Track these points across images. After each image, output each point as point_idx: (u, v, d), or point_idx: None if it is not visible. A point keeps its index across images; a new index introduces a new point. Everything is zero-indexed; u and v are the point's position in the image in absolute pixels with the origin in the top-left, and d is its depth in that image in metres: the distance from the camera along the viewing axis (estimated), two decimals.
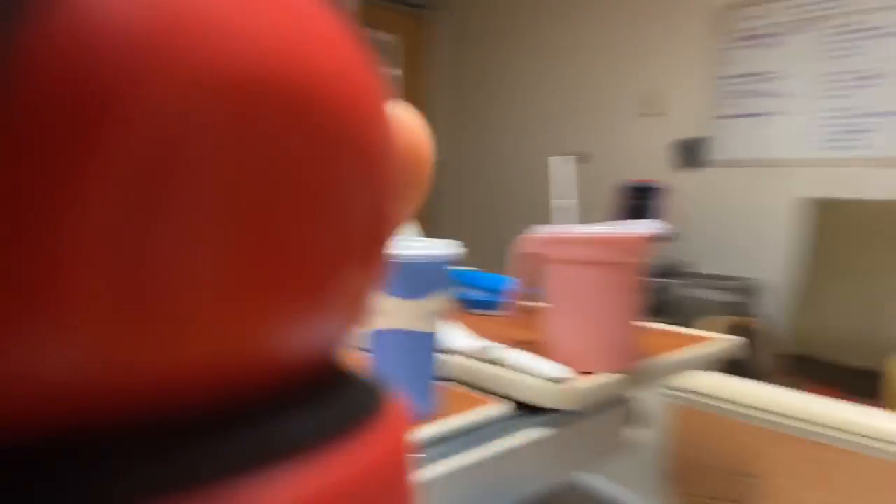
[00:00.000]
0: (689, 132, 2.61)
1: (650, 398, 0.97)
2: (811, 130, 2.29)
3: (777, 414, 0.88)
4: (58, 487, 0.09)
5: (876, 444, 0.80)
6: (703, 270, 2.51)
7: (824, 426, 0.84)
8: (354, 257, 0.14)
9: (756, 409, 0.90)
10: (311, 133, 0.12)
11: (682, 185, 2.61)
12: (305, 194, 0.12)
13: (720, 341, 0.72)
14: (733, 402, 0.92)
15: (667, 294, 2.25)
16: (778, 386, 0.94)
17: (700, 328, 0.86)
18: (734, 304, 2.24)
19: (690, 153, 2.62)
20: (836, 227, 2.11)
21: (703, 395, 0.94)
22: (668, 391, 0.97)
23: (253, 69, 0.11)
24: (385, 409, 0.14)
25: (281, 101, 0.11)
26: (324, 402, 0.13)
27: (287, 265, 0.12)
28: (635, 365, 0.60)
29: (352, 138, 0.13)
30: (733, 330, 2.20)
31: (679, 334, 0.77)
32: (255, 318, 0.12)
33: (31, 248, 0.09)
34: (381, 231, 0.14)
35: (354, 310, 0.14)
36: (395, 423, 0.14)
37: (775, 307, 2.30)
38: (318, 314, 0.13)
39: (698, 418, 0.95)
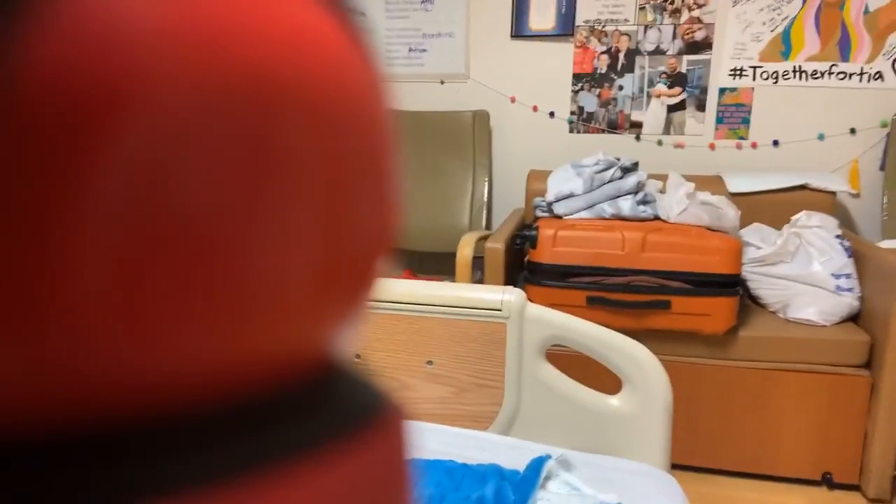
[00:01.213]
0: None
1: None
2: (380, 47, 2.54)
3: (377, 301, 1.03)
4: (66, 486, 0.09)
5: (452, 311, 1.01)
6: None
7: (410, 303, 1.02)
8: (355, 257, 0.13)
9: None
10: (315, 132, 0.12)
11: None
12: (312, 192, 0.12)
13: None
14: None
15: None
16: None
17: None
18: None
19: None
20: (408, 136, 2.44)
21: None
22: None
23: (256, 72, 0.10)
24: (386, 409, 0.15)
25: (284, 102, 0.11)
26: (326, 405, 0.13)
27: (292, 265, 0.12)
28: None
29: (355, 138, 0.13)
30: None
31: None
32: (260, 320, 0.12)
33: (36, 250, 0.09)
34: (382, 229, 0.14)
35: (353, 311, 0.14)
36: (395, 424, 0.15)
37: None
38: (321, 315, 0.13)
39: None
